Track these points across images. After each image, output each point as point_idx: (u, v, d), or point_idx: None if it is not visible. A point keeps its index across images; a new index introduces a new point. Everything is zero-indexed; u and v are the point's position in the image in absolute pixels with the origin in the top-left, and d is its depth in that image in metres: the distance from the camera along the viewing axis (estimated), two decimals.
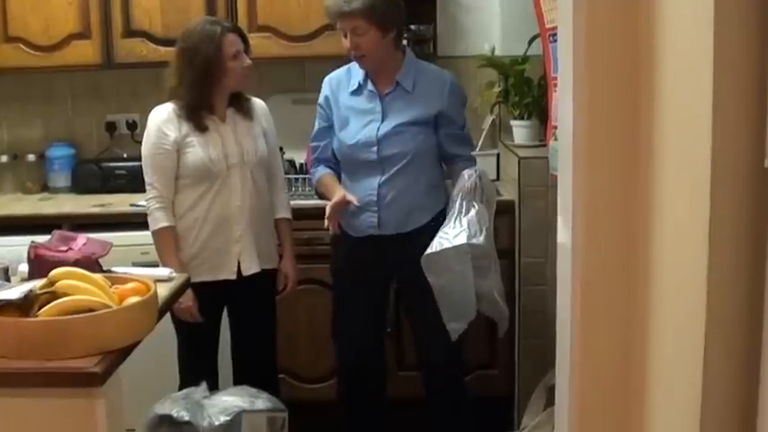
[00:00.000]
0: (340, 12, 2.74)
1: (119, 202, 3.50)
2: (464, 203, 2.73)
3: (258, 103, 2.99)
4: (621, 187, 1.34)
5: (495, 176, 3.65)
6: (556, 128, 2.52)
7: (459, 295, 2.73)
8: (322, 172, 2.97)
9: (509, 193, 3.38)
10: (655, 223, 1.28)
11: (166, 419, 2.44)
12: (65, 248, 2.29)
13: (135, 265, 2.75)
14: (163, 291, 2.21)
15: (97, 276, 2.00)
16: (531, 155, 3.23)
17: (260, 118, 2.95)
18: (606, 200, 1.35)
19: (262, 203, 2.91)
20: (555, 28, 2.54)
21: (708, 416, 1.13)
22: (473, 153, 3.05)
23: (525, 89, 3.42)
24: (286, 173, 3.39)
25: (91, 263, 2.23)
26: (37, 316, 1.86)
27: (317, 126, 3.00)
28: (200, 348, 2.94)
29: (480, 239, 2.67)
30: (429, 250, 2.68)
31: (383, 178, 2.84)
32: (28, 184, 3.87)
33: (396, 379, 3.30)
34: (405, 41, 3.02)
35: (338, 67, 2.99)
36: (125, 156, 3.79)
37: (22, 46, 3.55)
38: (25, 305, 1.89)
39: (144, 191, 2.84)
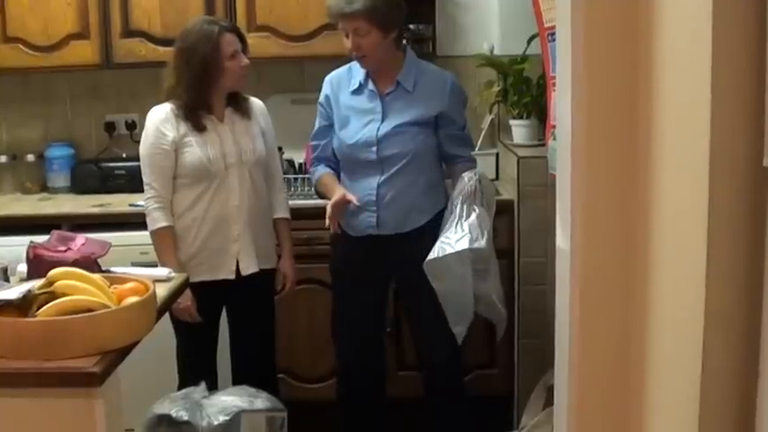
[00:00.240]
0: (341, 13, 2.75)
1: (118, 202, 3.50)
2: (464, 207, 2.73)
3: (256, 102, 2.99)
4: (620, 186, 1.34)
5: (494, 176, 3.65)
6: (555, 127, 2.51)
7: (460, 298, 2.73)
8: (322, 171, 2.97)
9: (508, 192, 3.38)
10: (653, 222, 1.28)
11: (165, 419, 2.44)
12: (63, 248, 2.28)
13: (134, 265, 2.74)
14: (161, 291, 2.21)
15: (96, 276, 2.00)
16: (530, 154, 3.23)
17: (258, 118, 2.95)
18: (605, 199, 1.35)
19: (260, 203, 2.91)
20: (554, 27, 2.53)
21: (706, 415, 1.12)
22: (472, 153, 3.04)
23: (524, 88, 3.42)
24: (285, 173, 3.39)
25: (90, 263, 2.23)
26: (35, 316, 1.86)
27: (317, 125, 3.00)
28: (199, 348, 2.94)
29: (482, 243, 2.68)
30: (431, 255, 2.68)
31: (382, 178, 2.84)
32: (27, 184, 3.87)
33: (395, 379, 3.30)
34: (404, 41, 3.01)
35: (337, 66, 2.99)
36: (124, 156, 3.79)
37: (20, 46, 3.55)
38: (24, 305, 1.89)
39: (143, 191, 2.84)
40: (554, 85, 2.60)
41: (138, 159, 2.86)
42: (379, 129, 2.83)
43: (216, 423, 2.43)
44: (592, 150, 1.35)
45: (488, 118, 3.67)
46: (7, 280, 2.29)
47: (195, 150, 2.78)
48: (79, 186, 3.75)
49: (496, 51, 3.63)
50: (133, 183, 3.16)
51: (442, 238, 2.71)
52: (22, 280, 2.21)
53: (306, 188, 3.53)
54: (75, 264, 2.13)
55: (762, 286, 1.07)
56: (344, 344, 3.05)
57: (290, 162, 3.71)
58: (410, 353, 3.24)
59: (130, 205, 3.36)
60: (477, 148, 3.34)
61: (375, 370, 3.08)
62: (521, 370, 3.34)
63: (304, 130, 3.08)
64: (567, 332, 1.44)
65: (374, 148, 2.83)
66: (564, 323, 1.46)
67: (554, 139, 2.55)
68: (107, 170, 3.73)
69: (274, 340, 3.06)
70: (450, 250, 2.66)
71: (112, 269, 2.32)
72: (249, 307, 2.98)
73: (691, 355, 1.13)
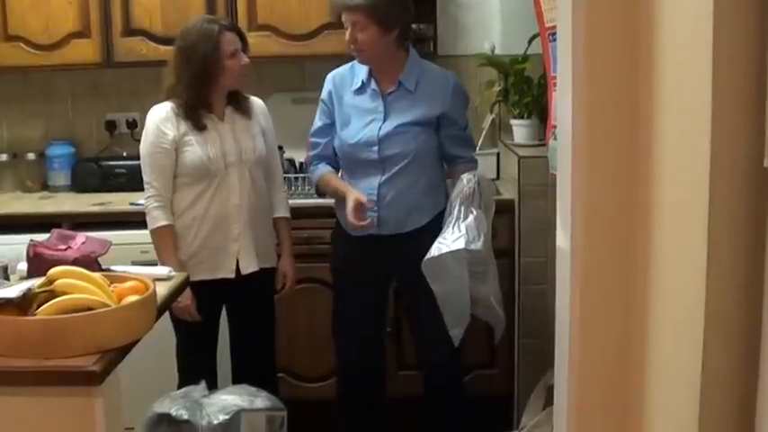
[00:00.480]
0: (343, 4, 2.76)
1: (118, 201, 3.50)
2: (462, 209, 2.74)
3: (257, 101, 2.99)
4: (620, 186, 1.34)
5: (494, 176, 3.65)
6: (555, 127, 2.51)
7: (458, 300, 2.74)
8: (323, 170, 2.97)
9: (509, 192, 3.38)
10: (654, 222, 1.28)
11: (165, 418, 2.44)
12: (64, 247, 2.28)
13: (135, 263, 2.74)
14: (162, 289, 2.21)
15: (96, 275, 1.99)
16: (531, 154, 3.23)
17: (258, 117, 2.95)
18: (605, 199, 1.35)
19: (260, 202, 2.91)
20: (554, 27, 2.53)
21: (706, 415, 1.12)
22: (473, 153, 3.04)
23: (525, 88, 3.41)
24: (285, 172, 3.40)
25: (90, 261, 2.23)
26: (35, 314, 1.86)
27: (318, 122, 2.98)
28: (199, 347, 2.94)
29: (479, 245, 2.68)
30: (429, 255, 2.68)
31: (383, 178, 2.84)
32: (28, 182, 3.87)
33: (395, 378, 3.30)
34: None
35: (338, 66, 2.99)
36: (125, 154, 3.79)
37: (21, 45, 3.55)
38: (24, 304, 1.89)
39: (143, 190, 2.84)
40: (555, 84, 2.60)
41: (138, 158, 2.86)
42: (380, 128, 2.83)
43: (216, 422, 2.43)
44: (592, 150, 1.35)
45: (489, 118, 3.67)
46: (7, 278, 2.29)
47: (195, 149, 2.78)
48: (80, 185, 3.75)
49: (497, 51, 3.63)
50: (134, 181, 3.16)
51: (439, 239, 2.71)
52: (23, 278, 2.21)
53: (306, 187, 3.53)
54: (75, 262, 2.13)
55: (762, 286, 1.07)
56: (345, 343, 3.05)
57: (291, 161, 3.70)
58: (410, 352, 3.24)
59: (131, 204, 3.37)
60: (477, 148, 3.34)
61: (375, 369, 3.08)
62: (521, 370, 3.34)
63: (304, 129, 3.08)
64: (567, 332, 1.44)
65: (375, 148, 2.82)
66: (564, 323, 1.46)
67: (555, 138, 2.55)
68: (108, 169, 3.73)
69: (274, 339, 3.06)
70: (446, 249, 2.67)
71: (113, 268, 2.31)
72: (249, 306, 2.98)
73: (691, 355, 1.12)
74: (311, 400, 3.33)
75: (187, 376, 2.84)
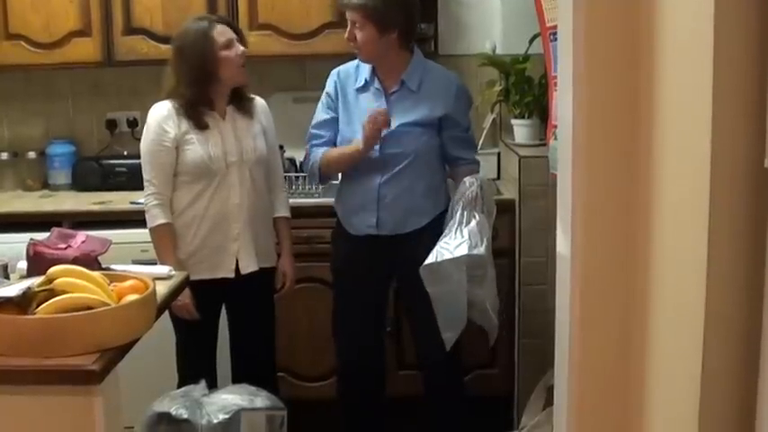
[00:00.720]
0: (343, 2, 2.80)
1: (119, 200, 3.50)
2: (465, 213, 2.73)
3: (258, 101, 2.98)
4: (621, 186, 1.34)
5: (495, 175, 3.65)
6: (556, 127, 2.51)
7: (454, 304, 2.74)
8: (323, 148, 2.93)
9: (509, 192, 3.38)
10: (654, 222, 1.28)
11: (165, 417, 2.44)
12: (64, 246, 2.28)
13: (134, 262, 2.74)
14: (161, 288, 2.21)
15: (96, 274, 1.99)
16: (532, 154, 3.23)
17: (260, 116, 2.95)
18: (605, 199, 1.35)
19: (260, 202, 2.91)
20: (555, 27, 2.53)
21: (706, 415, 1.12)
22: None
23: (526, 88, 3.41)
24: (286, 171, 3.39)
25: (90, 260, 2.23)
26: (35, 313, 1.86)
27: (320, 114, 2.95)
28: (199, 346, 2.94)
29: (481, 250, 2.68)
30: (429, 260, 2.68)
31: (384, 178, 2.84)
32: (28, 181, 3.87)
33: (395, 378, 3.29)
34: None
35: (340, 65, 2.99)
36: (125, 153, 3.79)
37: (22, 43, 3.55)
38: (23, 302, 1.89)
39: (143, 188, 2.84)
40: (556, 84, 2.59)
41: (139, 157, 2.86)
42: None
43: (216, 421, 2.43)
44: (593, 150, 1.35)
45: (490, 117, 3.67)
46: (7, 277, 2.29)
47: (196, 148, 2.78)
48: (80, 184, 3.75)
49: (498, 51, 3.63)
50: (134, 180, 3.15)
51: (441, 243, 2.71)
52: (22, 277, 2.21)
53: (307, 186, 3.53)
54: (75, 261, 2.13)
55: (762, 287, 1.07)
56: (345, 343, 3.04)
57: (292, 160, 3.70)
58: (410, 352, 3.24)
59: (131, 203, 3.37)
60: (478, 148, 3.34)
61: (375, 369, 3.08)
62: (521, 370, 3.33)
63: (305, 128, 3.07)
64: (567, 332, 1.44)
65: (377, 147, 2.82)
66: (564, 323, 1.46)
67: (555, 138, 2.54)
68: (108, 168, 3.73)
69: (274, 339, 3.06)
70: (448, 256, 2.67)
71: (112, 267, 2.31)
72: (249, 306, 2.98)
73: (691, 355, 1.12)
74: (311, 400, 3.33)
75: (187, 375, 2.83)
